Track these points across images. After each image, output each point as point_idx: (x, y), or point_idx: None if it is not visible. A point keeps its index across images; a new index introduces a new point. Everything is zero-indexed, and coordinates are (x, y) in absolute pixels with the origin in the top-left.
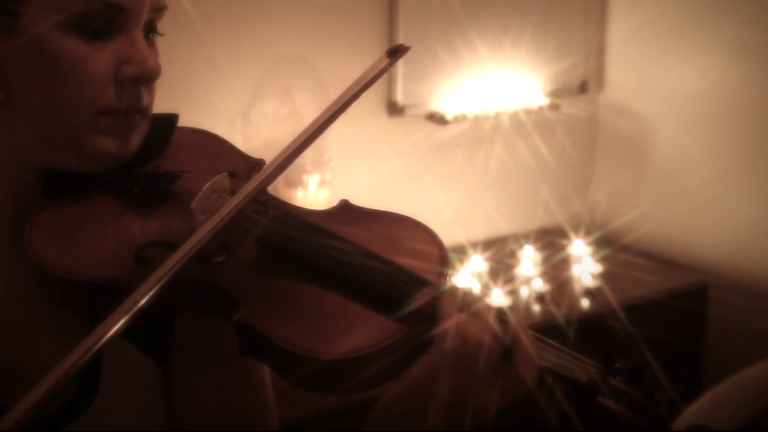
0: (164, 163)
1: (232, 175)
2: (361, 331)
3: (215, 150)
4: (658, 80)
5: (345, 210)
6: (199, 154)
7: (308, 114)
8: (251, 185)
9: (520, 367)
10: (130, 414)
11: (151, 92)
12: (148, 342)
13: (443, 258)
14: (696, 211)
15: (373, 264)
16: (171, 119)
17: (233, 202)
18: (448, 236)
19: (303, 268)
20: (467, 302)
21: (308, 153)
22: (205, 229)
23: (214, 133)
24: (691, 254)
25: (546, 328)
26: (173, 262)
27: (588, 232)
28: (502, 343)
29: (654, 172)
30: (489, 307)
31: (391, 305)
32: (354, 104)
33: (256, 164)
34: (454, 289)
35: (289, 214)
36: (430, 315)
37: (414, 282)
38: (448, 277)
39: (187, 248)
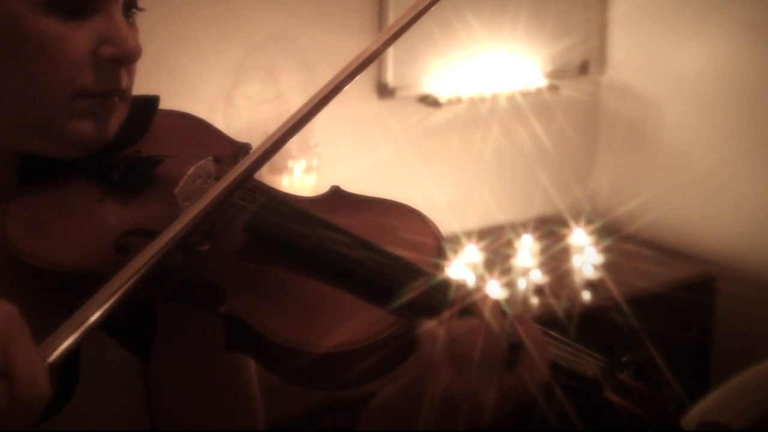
0: (145, 147)
1: (217, 159)
2: (353, 323)
3: (198, 134)
4: (664, 60)
5: (336, 196)
6: (181, 137)
7: (294, 96)
8: (237, 171)
9: (524, 371)
10: (109, 412)
11: (130, 73)
12: (128, 335)
13: (439, 246)
14: (703, 198)
15: (366, 253)
16: (152, 101)
17: (218, 188)
18: (441, 225)
19: (293, 258)
20: (461, 296)
21: (294, 137)
22: (188, 216)
23: (196, 116)
24: (698, 244)
25: (545, 323)
26: (154, 250)
27: (589, 221)
28: (502, 342)
29: (659, 158)
30: (487, 301)
31: (385, 296)
32: None
33: (242, 148)
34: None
35: (278, 200)
36: (427, 306)
37: (409, 272)
38: (444, 266)
39: (169, 236)
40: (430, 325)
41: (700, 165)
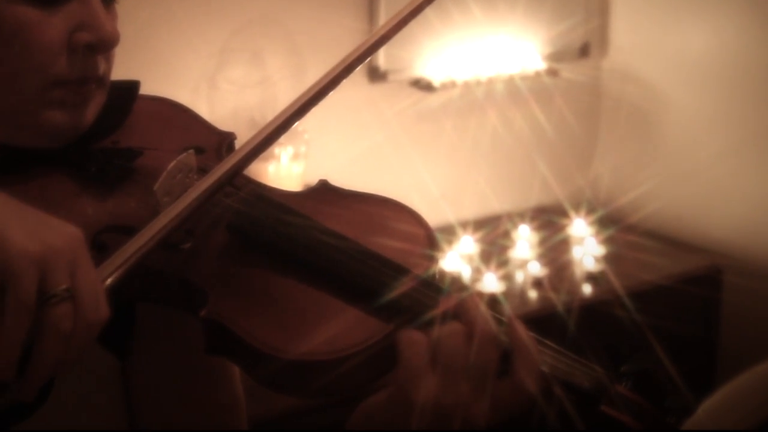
0: (124, 137)
1: (200, 150)
2: (340, 329)
3: (181, 122)
4: (668, 42)
5: (324, 191)
6: (162, 126)
7: (281, 80)
8: (223, 168)
9: (517, 380)
10: (87, 410)
11: (108, 59)
12: (107, 333)
13: (431, 246)
14: (710, 187)
15: (353, 255)
16: (131, 88)
17: (203, 185)
18: (435, 215)
19: (278, 258)
20: (450, 300)
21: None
22: (168, 215)
23: (178, 102)
24: (704, 234)
25: (544, 317)
26: (132, 249)
27: (590, 211)
28: (492, 350)
29: (663, 144)
30: (478, 306)
31: (373, 301)
32: None
33: (226, 138)
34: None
35: (263, 197)
36: (417, 311)
37: (399, 275)
38: (436, 267)
39: (150, 235)
40: (411, 331)
41: (707, 151)
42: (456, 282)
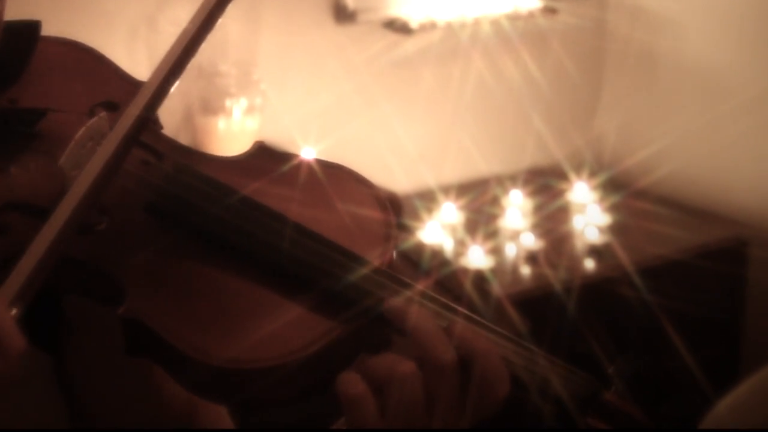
0: (23, 93)
1: (113, 107)
2: (279, 330)
3: (90, 71)
4: None
5: (261, 156)
6: (68, 77)
7: (230, 22)
8: (125, 122)
9: (477, 393)
10: (21, 407)
11: None
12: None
13: (388, 228)
14: (731, 146)
15: (294, 240)
16: (31, 30)
17: (105, 150)
18: (412, 178)
19: (206, 245)
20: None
21: (232, 71)
22: (76, 194)
23: (87, 45)
24: (726, 201)
25: (539, 297)
26: (32, 261)
27: (593, 173)
28: (454, 374)
29: (677, 96)
30: (426, 319)
31: (317, 295)
32: (291, 7)
33: None
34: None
35: (186, 168)
36: (373, 307)
37: (348, 264)
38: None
39: (57, 222)
40: (348, 378)
41: (728, 104)
42: (437, 257)
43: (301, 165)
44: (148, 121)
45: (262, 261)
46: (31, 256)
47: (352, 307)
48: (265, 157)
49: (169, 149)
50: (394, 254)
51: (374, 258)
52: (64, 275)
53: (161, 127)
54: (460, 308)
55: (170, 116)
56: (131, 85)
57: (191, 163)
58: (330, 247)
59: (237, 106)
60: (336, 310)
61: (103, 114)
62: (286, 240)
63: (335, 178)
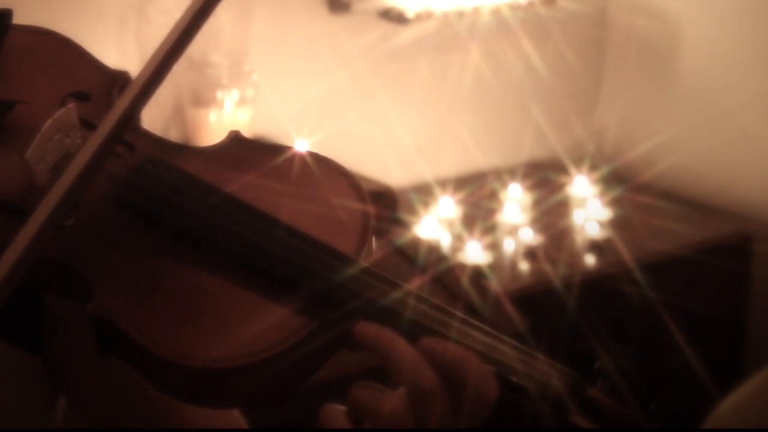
0: None
1: (84, 97)
2: (254, 327)
3: (61, 60)
4: None
5: (236, 147)
6: (40, 67)
7: (221, 12)
8: (113, 115)
9: (472, 398)
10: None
11: None
12: (8, 328)
13: (366, 220)
14: (736, 138)
15: (270, 234)
16: (1, 18)
17: (85, 153)
18: (408, 172)
19: (180, 242)
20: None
21: (223, 62)
22: (58, 190)
23: (59, 33)
24: (730, 195)
25: (538, 294)
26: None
27: (593, 167)
28: (442, 395)
29: (680, 87)
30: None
31: (294, 292)
32: None
33: (118, 79)
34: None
35: (159, 161)
36: (344, 304)
37: (325, 259)
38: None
39: (36, 221)
40: (331, 412)
41: (732, 97)
42: (433, 252)
43: (276, 154)
44: (129, 120)
45: (236, 256)
46: (10, 254)
47: (330, 303)
48: (241, 147)
49: (141, 141)
50: (374, 245)
51: (351, 250)
52: (33, 272)
53: (138, 119)
54: (445, 306)
55: (160, 108)
56: (106, 74)
57: (164, 155)
58: (304, 240)
59: (228, 97)
60: (314, 307)
61: (71, 105)
62: (259, 233)
63: (310, 167)
